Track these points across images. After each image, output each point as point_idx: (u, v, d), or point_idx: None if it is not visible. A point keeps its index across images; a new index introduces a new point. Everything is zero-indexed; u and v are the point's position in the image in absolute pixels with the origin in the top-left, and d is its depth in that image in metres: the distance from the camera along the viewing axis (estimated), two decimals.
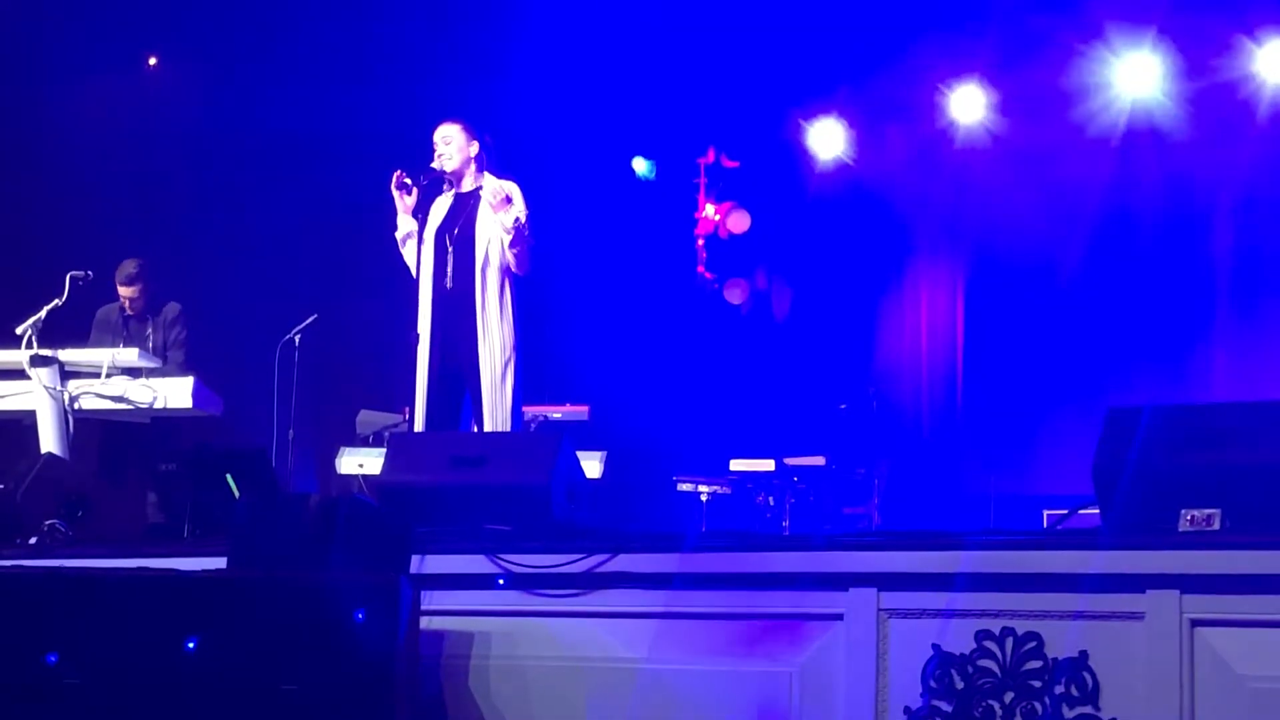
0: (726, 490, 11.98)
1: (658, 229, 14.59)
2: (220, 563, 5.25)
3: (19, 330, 9.00)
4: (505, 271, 8.52)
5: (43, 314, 9.08)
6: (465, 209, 8.62)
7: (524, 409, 9.14)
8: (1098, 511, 5.07)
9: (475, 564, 5.33)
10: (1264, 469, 4.64)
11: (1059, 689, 4.54)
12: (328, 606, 4.77)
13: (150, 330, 10.30)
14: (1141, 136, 12.88)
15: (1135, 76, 12.74)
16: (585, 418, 11.41)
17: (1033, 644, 4.61)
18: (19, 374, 8.96)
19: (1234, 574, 4.37)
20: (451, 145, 8.62)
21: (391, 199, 8.57)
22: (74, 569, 5.43)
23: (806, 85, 13.70)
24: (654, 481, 11.97)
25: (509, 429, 8.39)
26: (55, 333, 9.14)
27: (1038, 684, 4.57)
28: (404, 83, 12.14)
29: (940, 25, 12.62)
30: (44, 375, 8.95)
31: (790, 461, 12.08)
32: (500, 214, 8.34)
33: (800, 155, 14.23)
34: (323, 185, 12.03)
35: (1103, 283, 13.12)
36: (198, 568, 5.24)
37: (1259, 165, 12.60)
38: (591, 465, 9.93)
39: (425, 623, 5.07)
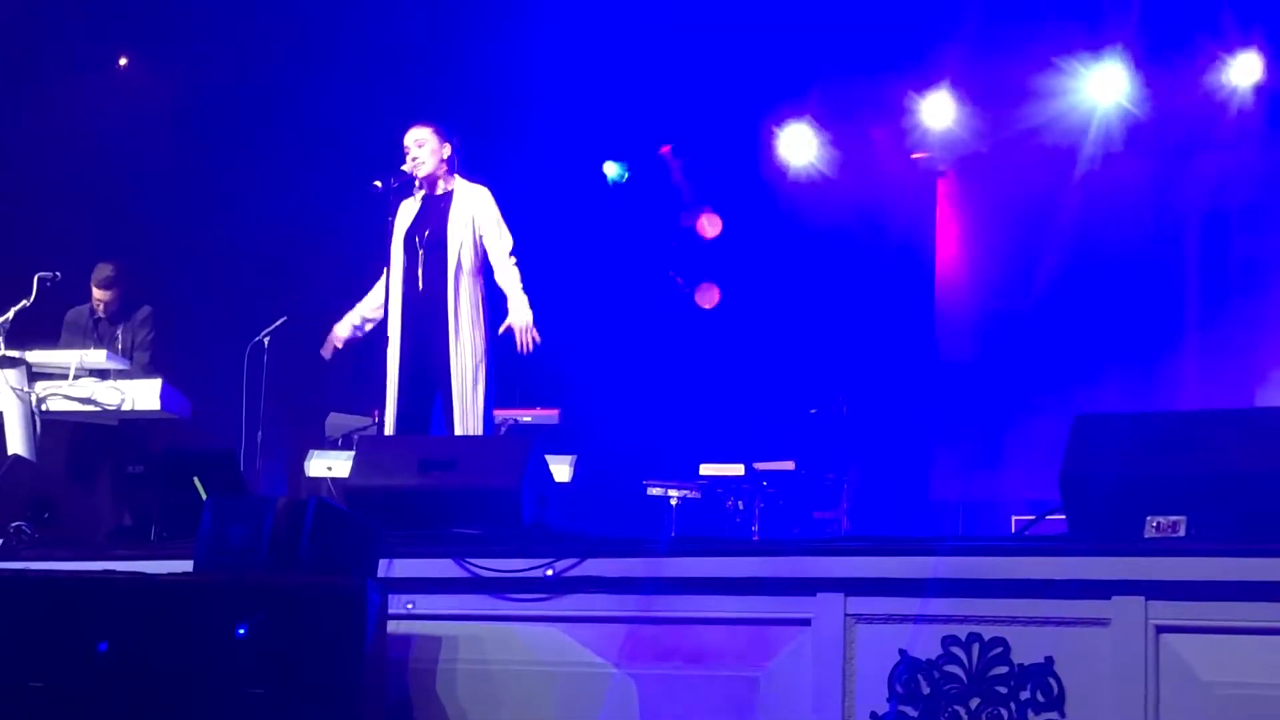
0: (696, 495, 11.99)
1: (629, 233, 14.60)
2: (187, 566, 5.23)
3: None
4: (477, 274, 8.55)
5: (10, 315, 9.09)
6: (436, 211, 8.64)
7: (495, 412, 9.14)
8: (1064, 518, 5.10)
9: (443, 568, 5.33)
10: (1229, 477, 4.68)
11: (1025, 695, 4.56)
12: (298, 609, 4.76)
13: (121, 333, 10.29)
14: (1110, 146, 12.94)
15: (1105, 87, 12.79)
16: (556, 421, 11.43)
17: (999, 650, 4.62)
18: None
19: (1199, 580, 4.39)
20: (424, 149, 8.63)
21: (361, 202, 8.62)
22: (39, 571, 5.42)
23: (778, 93, 13.73)
24: (624, 486, 11.97)
25: (480, 433, 8.40)
26: (22, 334, 9.13)
27: (1004, 690, 4.59)
28: (372, 86, 12.12)
29: (909, 36, 12.67)
30: (10, 376, 8.95)
31: (760, 466, 12.09)
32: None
33: (772, 161, 14.25)
34: (293, 188, 12.01)
35: (1072, 292, 13.18)
36: (164, 570, 5.22)
37: (1226, 176, 12.68)
38: (561, 469, 9.94)
39: (393, 626, 5.07)
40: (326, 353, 8.77)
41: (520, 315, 8.54)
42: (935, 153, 13.94)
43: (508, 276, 8.60)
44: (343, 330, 8.81)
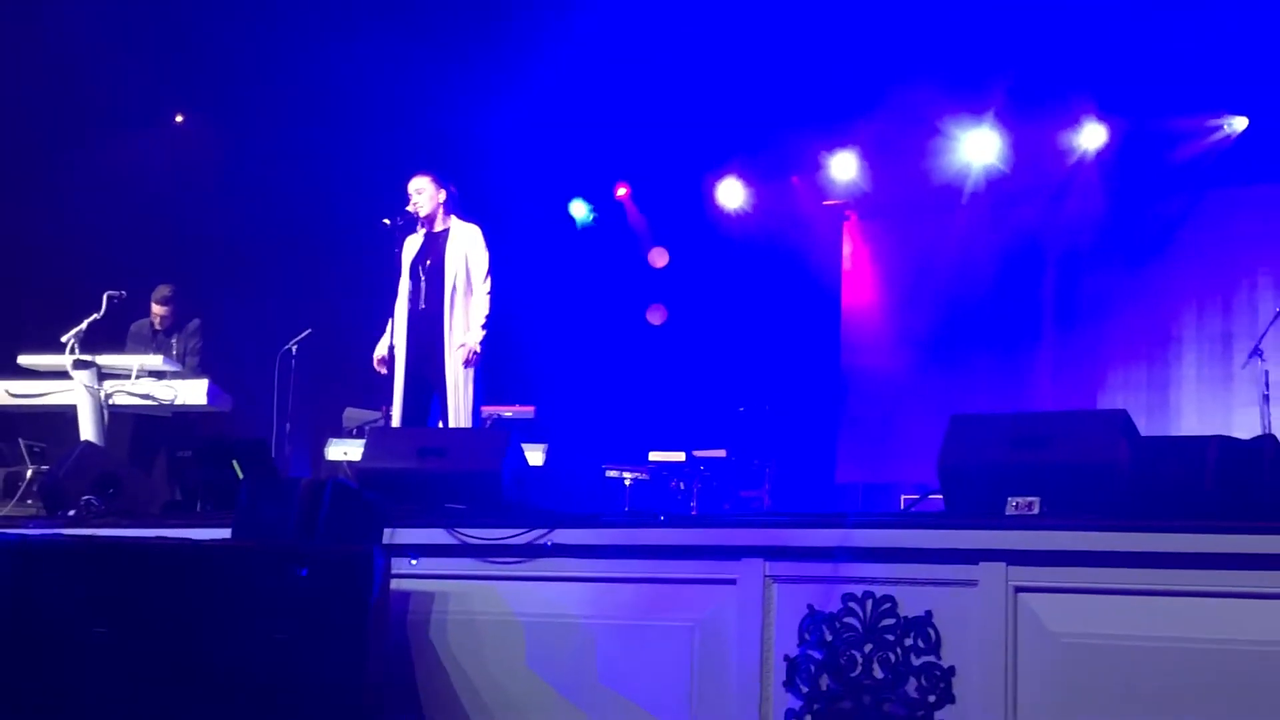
0: (646, 476, 11.97)
1: (594, 263, 14.63)
2: (226, 533, 5.22)
3: (64, 339, 8.95)
4: (468, 297, 8.56)
5: (84, 326, 9.04)
6: (436, 246, 8.63)
7: (481, 409, 9.13)
8: (942, 498, 5.12)
9: (437, 536, 5.32)
10: (1074, 466, 4.69)
11: (909, 641, 4.55)
12: (316, 570, 4.75)
13: (175, 342, 10.31)
14: (985, 194, 13.00)
15: (979, 148, 12.86)
16: (531, 416, 11.39)
17: (888, 605, 4.61)
18: (63, 375, 8.92)
19: (1050, 550, 4.39)
20: (424, 195, 8.63)
21: (374, 237, 8.64)
22: (105, 537, 5.41)
23: (716, 149, 13.78)
24: (587, 469, 11.94)
25: (469, 425, 8.39)
26: (94, 342, 9.10)
27: (891, 637, 4.57)
28: (383, 142, 12.11)
29: (822, 105, 12.71)
30: (84, 376, 8.90)
31: (698, 453, 12.07)
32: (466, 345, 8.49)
33: (711, 205, 14.29)
34: (316, 225, 12.01)
35: (950, 313, 13.23)
36: (207, 537, 5.21)
37: (1076, 221, 12.75)
38: (535, 455, 9.92)
39: (395, 584, 5.06)
40: (380, 369, 8.73)
41: (473, 336, 8.52)
42: (842, 199, 14.00)
43: (478, 303, 8.59)
44: (382, 350, 8.75)
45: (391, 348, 8.61)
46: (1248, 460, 4.52)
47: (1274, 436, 5.21)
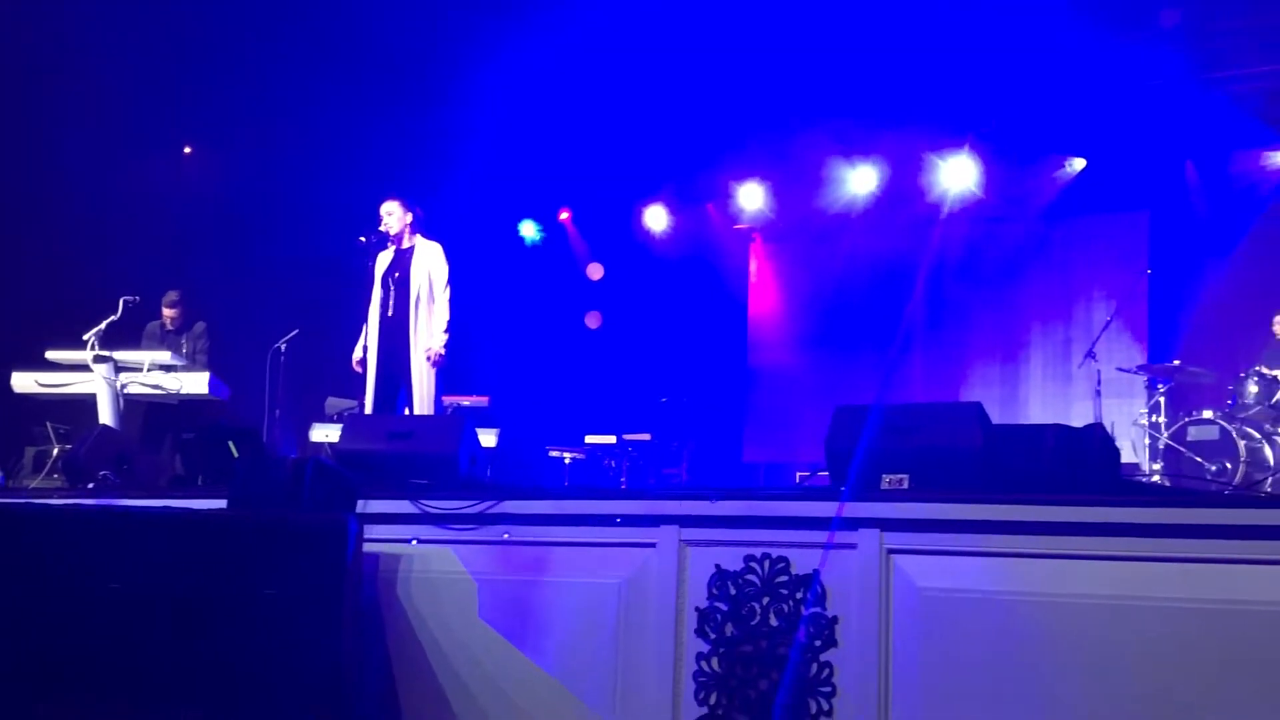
0: (582, 456, 11.97)
1: (541, 275, 14.63)
2: (223, 504, 5.18)
3: (85, 337, 8.95)
4: (430, 305, 8.55)
5: (102, 326, 9.00)
6: (403, 261, 8.63)
7: (443, 399, 9.12)
8: (828, 474, 5.14)
9: (402, 506, 5.29)
10: (938, 448, 4.70)
11: (799, 595, 4.54)
12: (299, 535, 4.73)
13: (184, 340, 10.25)
14: (868, 220, 13.10)
15: (861, 181, 12.96)
16: (486, 405, 11.38)
17: (783, 564, 4.60)
18: (85, 368, 8.88)
19: (917, 518, 4.41)
20: (393, 216, 8.64)
21: (350, 252, 8.63)
22: (119, 506, 5.36)
23: (644, 179, 13.82)
24: (533, 450, 11.94)
25: (431, 413, 8.38)
26: (112, 339, 9.05)
27: (785, 592, 4.56)
28: (361, 166, 12.06)
29: (730, 142, 12.78)
30: (102, 369, 8.86)
31: (627, 437, 12.10)
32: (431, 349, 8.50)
33: (640, 227, 14.32)
34: (302, 242, 11.93)
35: (839, 319, 13.32)
36: (206, 507, 5.16)
37: (942, 243, 12.84)
38: (489, 438, 9.91)
39: (366, 548, 5.04)
40: (358, 368, 8.72)
41: (436, 340, 8.52)
42: (750, 224, 14.07)
43: (440, 311, 8.58)
44: (359, 353, 8.72)
45: (365, 348, 8.60)
46: (1079, 444, 4.58)
47: (1101, 425, 5.32)
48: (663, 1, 10.63)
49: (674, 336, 14.02)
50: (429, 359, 8.44)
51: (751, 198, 13.67)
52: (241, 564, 4.72)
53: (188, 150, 13.16)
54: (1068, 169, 12.29)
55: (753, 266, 14.30)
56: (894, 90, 11.51)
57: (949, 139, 12.30)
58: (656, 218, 14.19)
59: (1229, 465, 9.36)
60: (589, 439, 12.09)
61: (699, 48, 11.23)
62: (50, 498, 5.94)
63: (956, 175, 12.56)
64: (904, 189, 12.88)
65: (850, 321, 13.17)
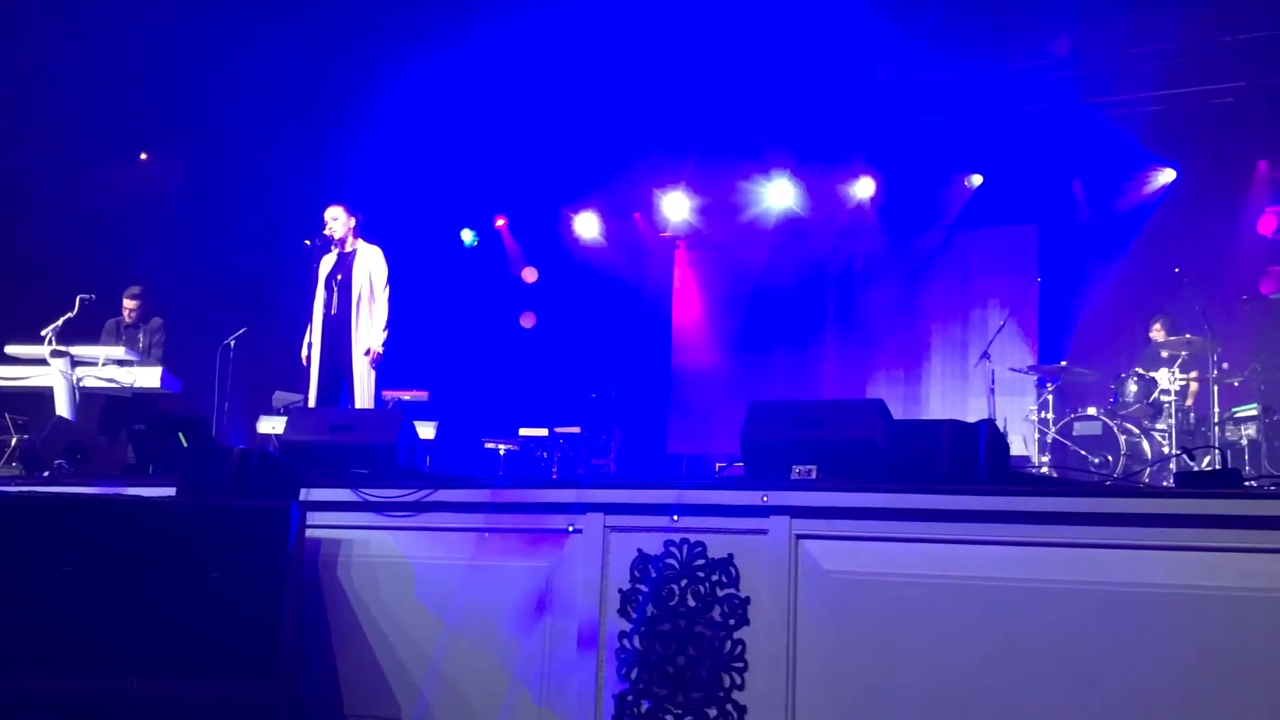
0: (516, 447, 11.92)
1: (478, 277, 14.56)
2: (172, 491, 5.11)
3: (43, 333, 8.81)
4: (370, 304, 8.50)
5: (59, 322, 8.88)
6: (345, 263, 8.58)
7: (384, 393, 9.06)
8: (743, 466, 5.15)
9: (343, 495, 5.24)
10: (843, 441, 4.70)
11: (715, 577, 4.55)
12: (243, 521, 4.67)
13: (141, 335, 10.10)
14: (783, 230, 13.16)
15: (779, 193, 13.01)
16: (426, 399, 11.31)
17: (700, 549, 4.60)
18: (42, 362, 8.74)
19: (824, 506, 4.42)
20: (338, 221, 8.60)
21: (297, 254, 8.57)
22: (72, 494, 5.24)
23: (573, 188, 13.81)
24: (469, 442, 11.88)
25: (372, 406, 8.32)
26: (69, 334, 8.92)
27: (702, 574, 4.57)
28: (304, 173, 11.95)
29: (657, 152, 12.81)
30: (59, 363, 8.72)
31: (559, 430, 12.07)
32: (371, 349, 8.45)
33: (570, 234, 14.29)
34: (253, 244, 11.83)
35: (757, 321, 13.38)
36: (157, 494, 5.09)
37: (852, 251, 12.97)
38: (428, 430, 9.84)
39: (309, 533, 4.99)
40: (306, 364, 8.64)
41: (376, 340, 8.47)
42: (674, 232, 14.07)
43: (379, 310, 8.53)
44: (306, 351, 8.64)
45: (310, 345, 8.53)
46: (971, 438, 4.60)
47: (993, 421, 5.35)
48: (587, 21, 10.59)
49: (603, 336, 14.01)
50: (368, 359, 8.39)
51: (676, 208, 13.69)
52: (188, 548, 4.65)
53: (144, 156, 12.96)
54: (967, 183, 12.43)
55: (677, 272, 14.32)
56: (808, 109, 11.61)
57: (857, 156, 12.41)
58: (587, 225, 14.17)
59: (1110, 458, 9.50)
60: (523, 431, 12.05)
61: (626, 66, 11.24)
62: (7, 485, 5.81)
63: (863, 189, 12.66)
64: (819, 200, 12.96)
65: (767, 324, 13.24)
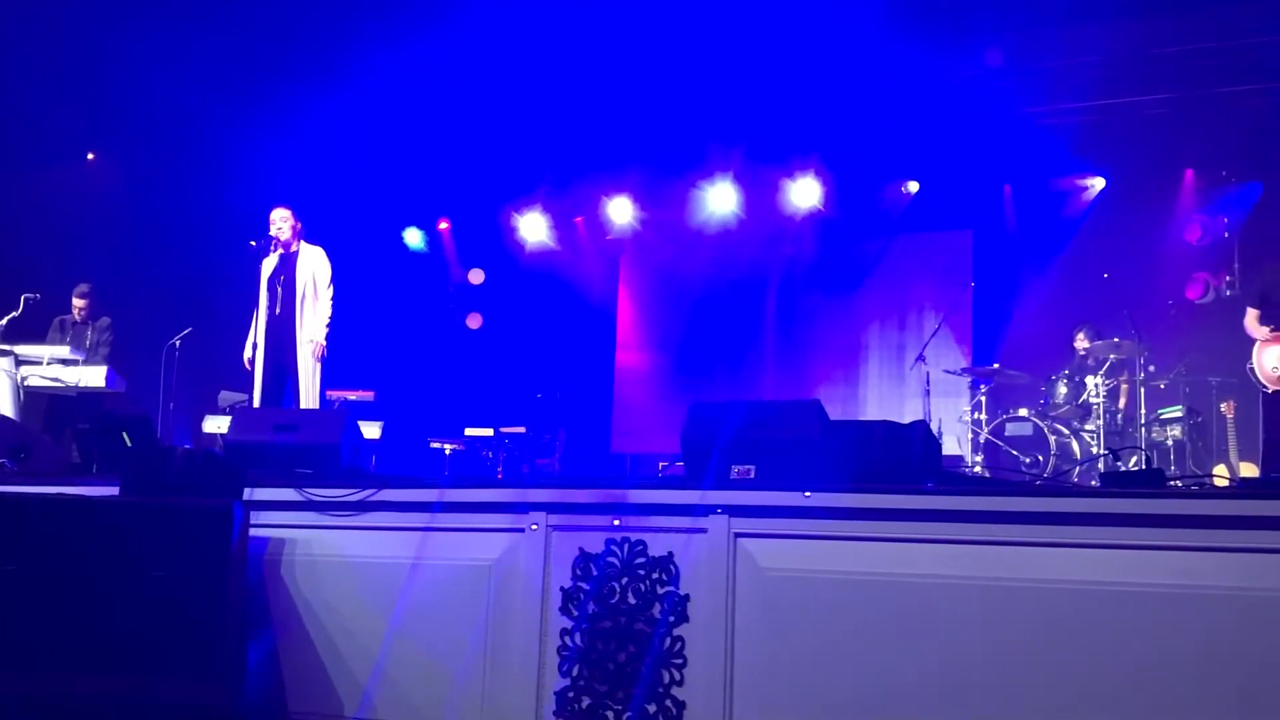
0: (462, 447, 11.87)
1: (426, 279, 14.50)
2: (116, 491, 5.04)
3: None
4: (314, 304, 8.48)
5: (3, 321, 8.78)
6: (289, 264, 8.57)
7: (329, 393, 9.02)
8: (684, 465, 5.15)
9: (288, 494, 5.20)
10: (781, 441, 4.71)
11: (655, 575, 4.56)
12: (186, 520, 4.62)
13: (89, 333, 9.99)
14: (726, 235, 13.19)
15: (720, 199, 13.04)
16: (372, 399, 11.24)
17: (640, 547, 4.61)
18: None
19: (762, 505, 4.44)
20: (286, 223, 8.55)
21: (243, 255, 8.52)
22: (14, 493, 5.16)
23: (520, 192, 13.78)
24: (415, 441, 11.81)
25: (316, 406, 8.29)
26: (14, 334, 8.79)
27: (642, 573, 4.58)
28: (251, 175, 11.84)
29: (602, 159, 12.81)
30: (3, 362, 8.64)
31: (504, 430, 12.04)
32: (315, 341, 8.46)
33: (515, 237, 14.26)
34: (200, 245, 11.71)
35: (699, 324, 13.42)
36: (100, 493, 5.02)
37: (794, 255, 13.03)
38: (373, 430, 9.78)
39: (253, 533, 4.94)
40: (249, 366, 8.59)
41: (318, 335, 8.46)
42: (619, 234, 14.07)
43: (322, 309, 8.51)
44: (249, 351, 8.59)
45: (254, 346, 8.48)
46: (905, 439, 4.65)
47: (925, 422, 5.40)
48: (534, 25, 10.58)
49: (549, 338, 13.99)
50: (312, 352, 8.38)
51: (621, 212, 13.69)
52: (131, 547, 4.61)
53: (91, 156, 12.79)
54: (905, 190, 12.53)
55: (622, 275, 14.32)
56: (751, 116, 11.64)
57: (799, 162, 12.47)
58: (533, 228, 14.13)
59: (1041, 458, 9.62)
60: (468, 431, 12.00)
61: (571, 71, 11.23)
62: None
63: (805, 194, 12.72)
64: (759, 206, 13.00)
65: (709, 327, 13.27)
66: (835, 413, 4.98)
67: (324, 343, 8.47)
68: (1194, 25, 10.44)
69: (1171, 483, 4.66)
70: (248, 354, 8.56)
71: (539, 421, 12.46)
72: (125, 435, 5.90)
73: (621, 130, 12.16)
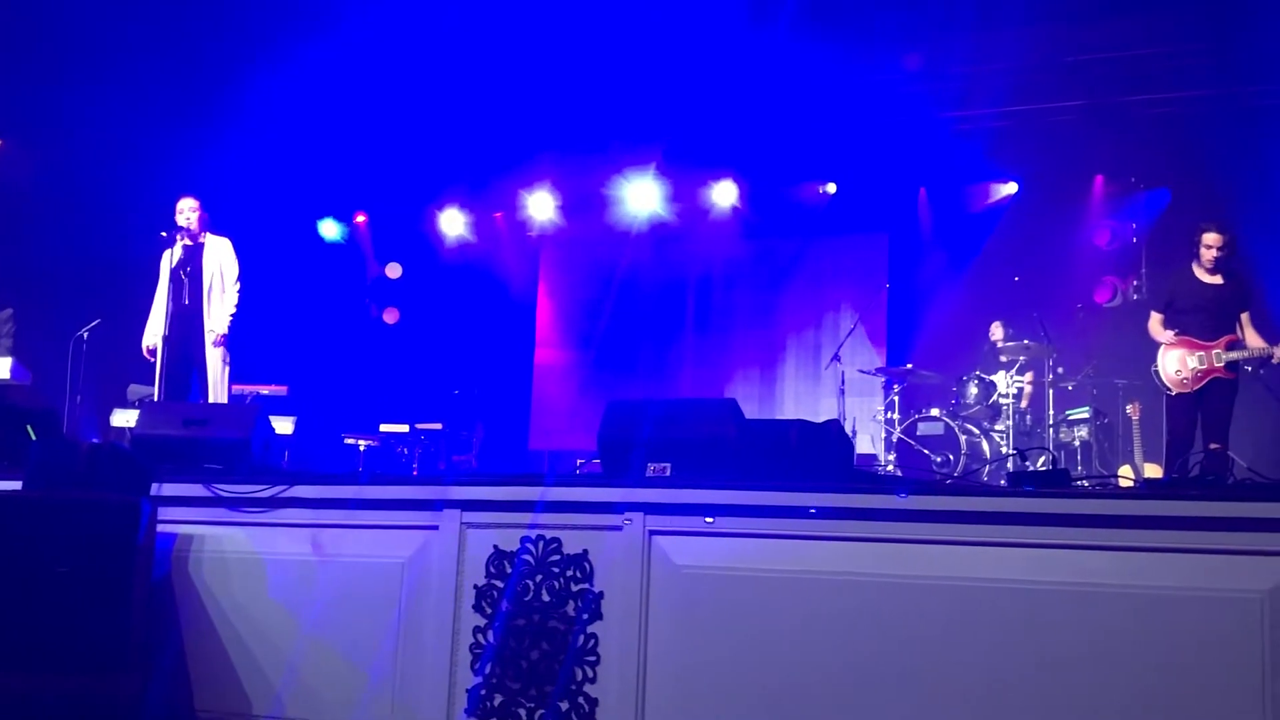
0: (377, 443, 11.75)
1: (342, 272, 14.36)
2: (18, 485, 4.94)
3: None
4: (220, 294, 8.40)
5: None
6: (195, 255, 8.52)
7: (240, 387, 8.96)
8: (601, 463, 5.17)
9: (196, 490, 5.13)
10: (697, 440, 4.75)
11: (570, 572, 4.57)
12: (92, 515, 4.55)
13: None
14: (646, 233, 13.22)
15: (642, 195, 13.06)
16: (285, 394, 11.09)
17: (555, 544, 4.62)
18: None
19: (676, 502, 4.47)
20: (194, 214, 8.48)
21: (152, 245, 8.41)
22: None
23: (439, 186, 13.70)
24: (329, 437, 11.69)
25: (224, 399, 8.22)
26: None
27: (557, 570, 4.59)
28: (158, 164, 11.63)
29: (522, 153, 12.78)
30: None
31: (420, 426, 11.94)
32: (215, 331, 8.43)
33: (435, 231, 14.16)
34: (106, 236, 11.48)
35: (618, 320, 13.43)
36: (4, 487, 4.91)
37: (711, 254, 13.10)
38: (286, 426, 9.65)
39: (161, 529, 4.86)
40: (150, 357, 8.46)
41: (221, 324, 8.43)
42: (539, 231, 14.04)
43: (229, 300, 8.47)
44: (149, 340, 8.48)
45: (157, 336, 8.38)
46: (819, 438, 4.70)
47: (839, 421, 5.47)
48: (450, 17, 10.52)
49: (467, 333, 13.91)
50: (214, 341, 8.31)
51: (541, 208, 13.66)
52: (36, 542, 4.55)
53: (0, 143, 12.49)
54: (822, 191, 12.65)
55: (541, 271, 14.30)
56: (671, 115, 11.68)
57: (718, 162, 12.53)
58: (452, 222, 14.05)
59: (951, 457, 9.77)
60: (383, 427, 11.88)
61: (489, 64, 11.18)
62: None
63: (724, 195, 12.79)
64: (680, 207, 13.05)
65: (629, 324, 13.30)
66: (752, 411, 5.04)
67: (225, 331, 8.43)
68: (1105, 34, 10.67)
69: (1077, 483, 4.76)
70: (147, 342, 8.47)
71: (456, 418, 12.39)
72: (30, 429, 5.78)
73: (542, 125, 12.13)
